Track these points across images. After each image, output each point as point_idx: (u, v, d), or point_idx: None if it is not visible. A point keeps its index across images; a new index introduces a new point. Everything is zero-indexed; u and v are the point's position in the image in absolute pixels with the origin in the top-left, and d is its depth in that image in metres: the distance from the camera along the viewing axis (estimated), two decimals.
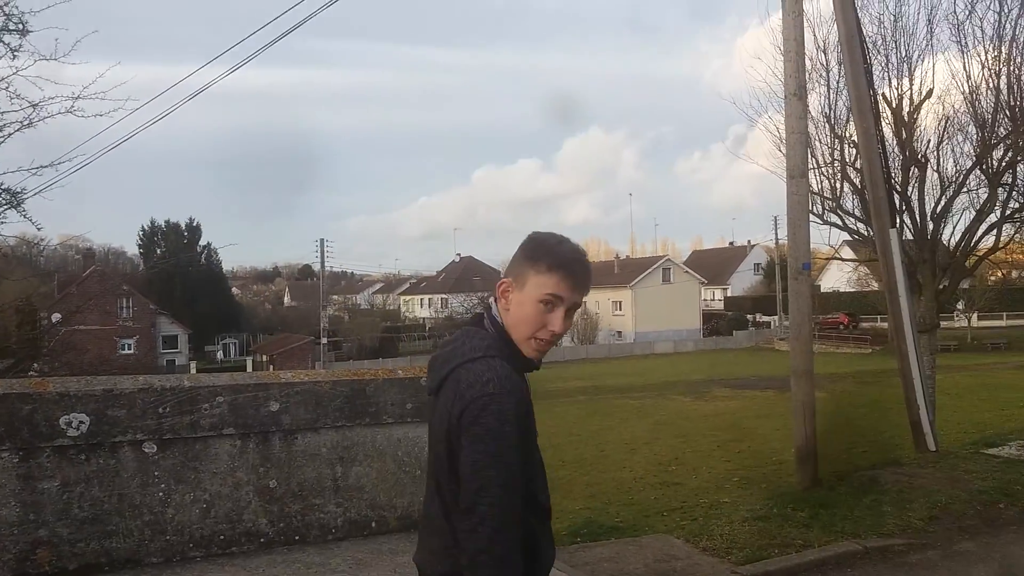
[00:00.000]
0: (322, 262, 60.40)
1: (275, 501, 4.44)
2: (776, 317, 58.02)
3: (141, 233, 65.73)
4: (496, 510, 1.79)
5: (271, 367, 50.32)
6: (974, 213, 11.38)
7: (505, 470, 1.80)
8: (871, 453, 8.45)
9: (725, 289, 77.38)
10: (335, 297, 79.81)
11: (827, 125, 11.70)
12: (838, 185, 11.81)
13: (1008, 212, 11.57)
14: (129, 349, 52.45)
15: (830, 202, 11.91)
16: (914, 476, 7.04)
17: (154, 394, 4.13)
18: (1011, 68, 10.18)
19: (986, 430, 8.99)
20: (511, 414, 1.82)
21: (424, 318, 78.55)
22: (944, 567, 5.20)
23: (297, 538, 4.48)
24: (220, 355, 63.86)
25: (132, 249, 70.27)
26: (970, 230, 11.49)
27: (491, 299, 2.05)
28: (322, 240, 59.28)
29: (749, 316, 66.08)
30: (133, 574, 4.02)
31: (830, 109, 11.59)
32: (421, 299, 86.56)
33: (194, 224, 66.51)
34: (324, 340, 55.00)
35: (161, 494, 4.17)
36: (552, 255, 1.91)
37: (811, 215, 9.67)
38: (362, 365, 42.34)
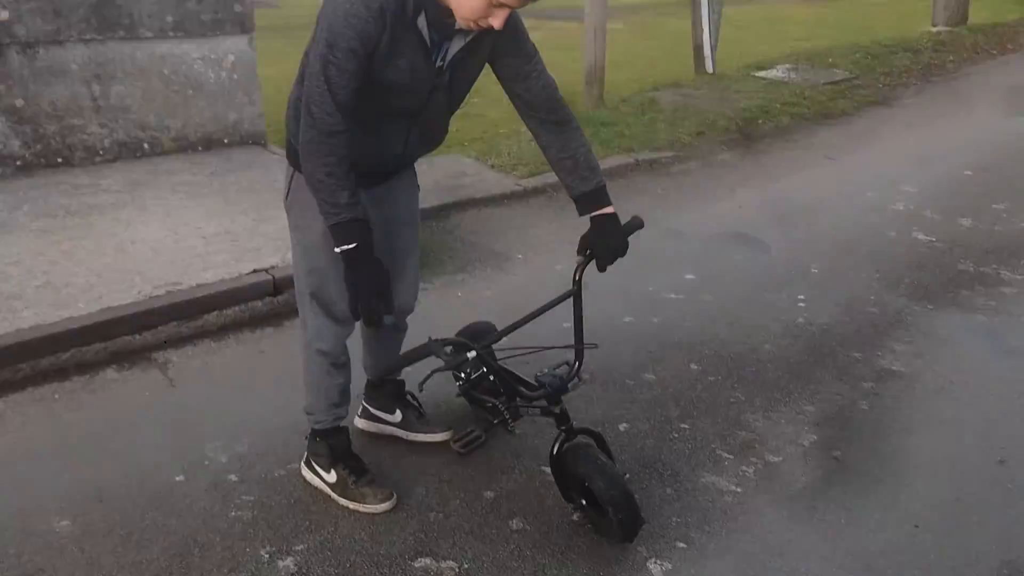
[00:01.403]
0: None
1: (26, 122, 4.06)
2: None
3: None
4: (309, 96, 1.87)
5: None
6: None
7: (323, 55, 1.82)
8: (657, 79, 8.83)
9: None
10: None
11: None
12: None
13: None
14: None
15: None
16: (689, 96, 7.53)
17: None
18: None
19: (761, 57, 9.56)
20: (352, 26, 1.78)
21: None
22: (701, 174, 5.83)
23: (60, 160, 4.19)
24: None
25: None
26: None
27: None
28: None
29: None
30: None
31: None
32: None
33: None
34: None
35: None
36: None
37: None
38: None
